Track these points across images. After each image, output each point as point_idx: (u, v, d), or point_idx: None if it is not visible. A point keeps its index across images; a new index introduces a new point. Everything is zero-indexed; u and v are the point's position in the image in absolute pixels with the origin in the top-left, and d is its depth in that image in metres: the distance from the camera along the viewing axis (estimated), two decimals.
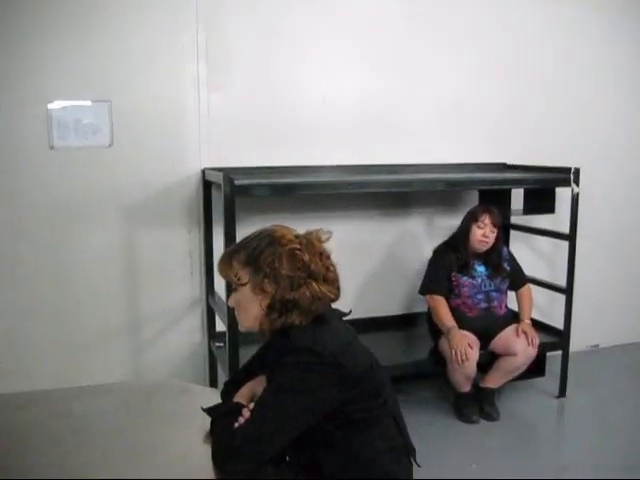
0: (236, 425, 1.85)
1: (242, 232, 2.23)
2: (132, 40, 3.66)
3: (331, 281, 1.98)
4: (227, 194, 3.19)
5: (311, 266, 1.92)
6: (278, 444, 1.84)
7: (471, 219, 3.87)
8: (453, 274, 3.88)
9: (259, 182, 3.41)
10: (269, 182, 3.47)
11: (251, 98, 3.93)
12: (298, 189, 3.52)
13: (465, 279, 3.87)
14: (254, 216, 3.65)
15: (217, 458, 1.83)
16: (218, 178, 3.36)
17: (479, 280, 3.88)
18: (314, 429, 1.87)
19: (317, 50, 4.05)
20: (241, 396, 2.03)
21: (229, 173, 3.29)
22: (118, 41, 3.63)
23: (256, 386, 2.03)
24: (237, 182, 3.22)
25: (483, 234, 3.84)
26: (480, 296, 3.88)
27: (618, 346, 5.14)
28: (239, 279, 1.96)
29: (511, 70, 4.54)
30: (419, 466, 2.12)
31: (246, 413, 1.88)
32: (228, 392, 2.11)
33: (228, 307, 2.52)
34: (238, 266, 1.96)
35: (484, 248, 3.88)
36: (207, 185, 3.84)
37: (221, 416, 1.95)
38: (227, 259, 2.00)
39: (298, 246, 1.93)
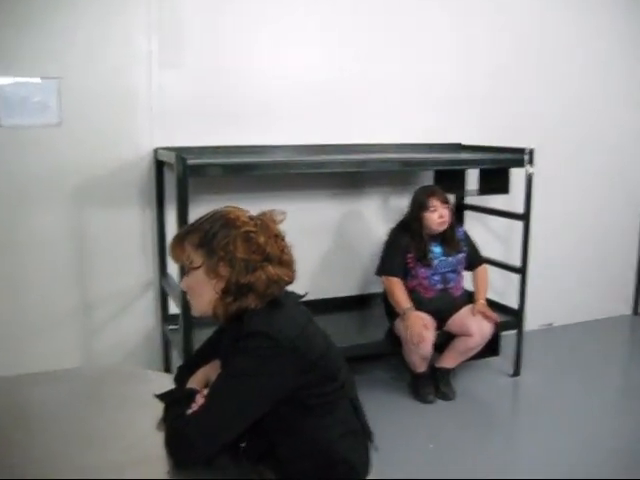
0: (189, 412, 1.80)
1: (195, 213, 2.18)
2: (82, 16, 3.53)
3: (287, 263, 1.94)
4: (180, 174, 3.13)
5: (267, 249, 1.87)
6: (233, 431, 1.80)
7: (420, 208, 3.84)
8: (409, 255, 3.87)
9: (212, 162, 3.36)
10: (222, 162, 3.42)
11: (204, 76, 3.85)
12: (252, 169, 3.48)
13: (422, 263, 3.86)
14: (207, 196, 3.61)
15: (170, 446, 1.78)
16: (170, 158, 3.30)
17: (436, 262, 3.88)
18: (270, 415, 1.83)
19: (272, 28, 3.97)
20: (195, 381, 1.98)
21: (181, 153, 3.23)
22: (68, 17, 3.51)
23: (210, 371, 1.98)
24: (190, 162, 3.16)
25: (439, 216, 3.83)
26: (436, 277, 3.88)
27: (571, 325, 5.22)
28: (191, 262, 1.90)
29: (467, 51, 4.53)
30: (377, 449, 2.10)
31: (200, 399, 1.83)
32: (182, 377, 2.06)
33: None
34: (190, 249, 1.89)
35: (444, 227, 3.87)
36: (159, 165, 3.76)
37: (174, 402, 1.90)
38: (179, 242, 1.93)
39: (253, 228, 1.88)
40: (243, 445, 1.93)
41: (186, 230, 1.95)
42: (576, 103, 4.96)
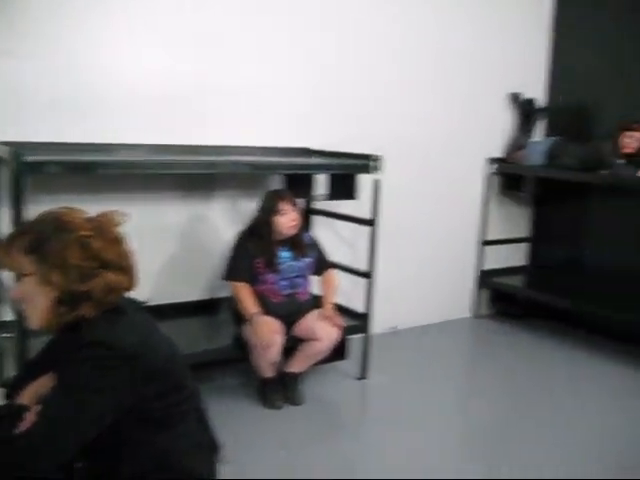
0: (17, 431, 1.66)
1: (33, 214, 1.98)
2: None
3: (126, 269, 1.83)
4: (14, 171, 2.94)
5: (103, 254, 1.76)
6: (68, 450, 1.67)
7: (271, 211, 3.81)
8: (257, 260, 3.82)
9: (52, 159, 3.15)
10: (64, 159, 3.22)
11: (45, 67, 3.63)
12: (96, 168, 3.29)
13: (270, 268, 3.83)
14: (47, 197, 3.39)
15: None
16: (4, 153, 3.09)
17: (284, 266, 3.86)
18: (111, 429, 1.71)
19: (124, 24, 3.82)
20: (25, 397, 1.82)
21: (17, 148, 3.03)
22: None
23: (42, 386, 1.84)
24: (27, 158, 2.96)
25: (290, 219, 3.82)
26: (284, 282, 3.86)
27: (416, 327, 5.36)
28: (21, 269, 1.75)
29: (318, 57, 4.56)
30: (225, 462, 2.04)
31: (29, 417, 1.68)
32: (12, 394, 1.90)
33: None
34: (19, 255, 1.74)
35: (295, 231, 3.86)
36: None
37: None
38: (5, 247, 1.77)
39: (88, 232, 1.76)
40: (79, 465, 1.80)
41: (13, 234, 1.80)
42: (423, 111, 5.11)
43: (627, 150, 4.88)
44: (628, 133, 4.86)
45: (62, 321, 1.76)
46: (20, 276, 1.77)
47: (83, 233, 1.75)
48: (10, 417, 1.72)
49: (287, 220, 3.82)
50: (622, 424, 3.87)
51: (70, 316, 1.75)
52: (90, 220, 1.81)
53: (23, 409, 1.74)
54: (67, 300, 1.74)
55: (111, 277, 1.77)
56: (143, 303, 1.95)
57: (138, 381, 1.72)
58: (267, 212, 3.82)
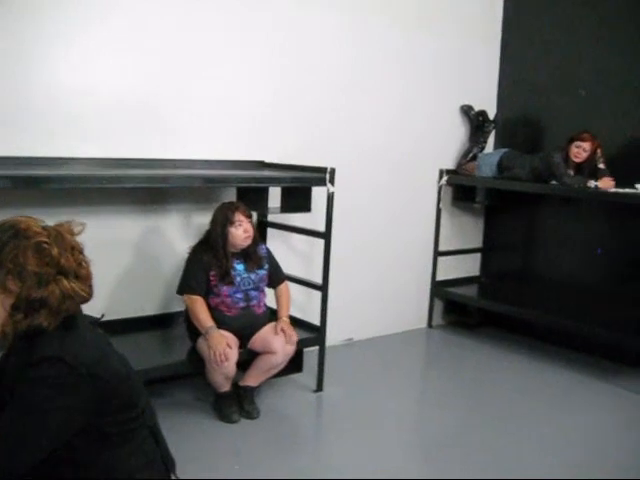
0: None
1: None
2: None
3: (84, 278, 1.81)
4: None
5: (61, 261, 1.74)
6: (19, 468, 1.65)
7: (225, 223, 3.80)
8: (211, 273, 3.81)
9: (1, 174, 3.11)
10: (12, 174, 3.17)
11: None
12: (46, 182, 3.25)
13: (224, 281, 3.82)
14: None
15: None
16: None
17: (238, 279, 3.85)
18: (62, 446, 1.69)
19: (80, 35, 3.80)
20: None
21: None
22: None
23: None
24: None
25: (244, 230, 3.81)
26: (239, 295, 3.85)
27: (370, 339, 5.38)
28: None
29: (275, 71, 4.58)
30: (179, 478, 2.02)
31: None
32: None
33: None
34: None
35: (249, 242, 3.86)
36: None
37: None
38: None
39: (46, 239, 1.74)
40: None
41: None
42: (379, 125, 5.17)
43: (576, 160, 4.97)
44: (577, 143, 4.95)
45: (17, 329, 1.73)
46: None
47: (40, 239, 1.74)
48: None
49: (241, 232, 3.81)
50: (574, 431, 3.93)
51: (25, 323, 1.72)
52: (47, 228, 1.80)
53: None
54: (23, 307, 1.71)
55: (68, 284, 1.75)
56: (98, 319, 1.93)
57: (93, 399, 1.70)
58: (221, 223, 3.81)
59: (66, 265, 1.77)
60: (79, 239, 1.86)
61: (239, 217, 3.80)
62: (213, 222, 3.85)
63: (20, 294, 1.71)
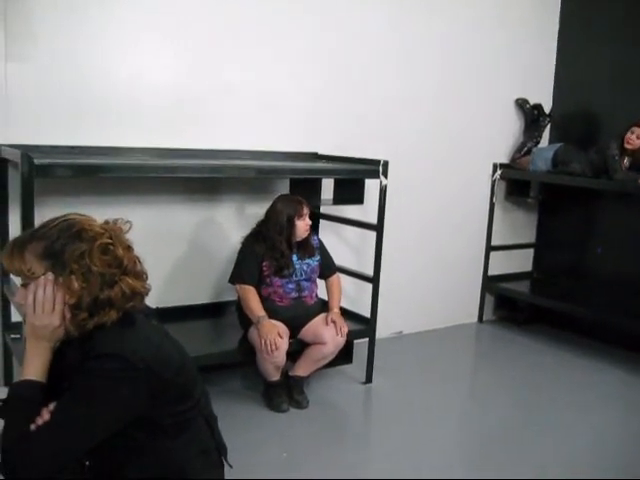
0: (33, 427, 1.67)
1: (42, 216, 2.00)
2: None
3: (140, 275, 1.84)
4: (25, 174, 2.94)
5: (124, 261, 1.77)
6: (77, 452, 1.70)
7: (292, 215, 3.82)
8: (264, 263, 3.84)
9: (61, 162, 3.18)
10: (72, 162, 3.25)
11: (55, 71, 3.65)
12: (103, 171, 3.31)
13: (278, 272, 3.85)
14: (56, 198, 3.43)
15: (8, 462, 1.65)
16: (15, 156, 3.10)
17: (291, 270, 3.87)
18: (118, 434, 1.73)
19: (130, 25, 3.84)
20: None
21: (28, 151, 3.04)
22: None
23: None
24: (37, 161, 2.97)
25: (307, 223, 3.88)
26: (291, 285, 3.88)
27: (420, 332, 5.37)
28: (33, 274, 1.74)
29: (327, 62, 4.58)
30: (231, 467, 2.05)
31: (45, 414, 1.69)
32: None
33: None
34: (33, 259, 1.73)
35: (307, 234, 3.90)
36: (2, 163, 3.53)
37: (14, 412, 1.73)
38: (18, 250, 1.75)
39: (110, 240, 1.77)
40: (88, 463, 1.82)
41: (26, 238, 1.78)
42: (430, 118, 5.13)
43: (628, 146, 4.86)
44: (633, 128, 4.85)
45: (82, 328, 1.75)
46: (27, 281, 1.77)
47: (105, 240, 1.76)
48: (28, 410, 1.72)
49: (304, 224, 3.85)
50: (624, 431, 3.88)
51: (91, 323, 1.74)
52: (106, 228, 1.81)
53: (37, 402, 1.73)
54: (88, 306, 1.73)
55: (131, 283, 1.78)
56: (153, 310, 1.96)
57: (149, 392, 1.73)
58: (288, 215, 3.84)
59: (128, 265, 1.80)
60: (132, 233, 1.88)
61: (305, 210, 3.85)
62: (274, 213, 3.87)
63: (83, 294, 1.73)
